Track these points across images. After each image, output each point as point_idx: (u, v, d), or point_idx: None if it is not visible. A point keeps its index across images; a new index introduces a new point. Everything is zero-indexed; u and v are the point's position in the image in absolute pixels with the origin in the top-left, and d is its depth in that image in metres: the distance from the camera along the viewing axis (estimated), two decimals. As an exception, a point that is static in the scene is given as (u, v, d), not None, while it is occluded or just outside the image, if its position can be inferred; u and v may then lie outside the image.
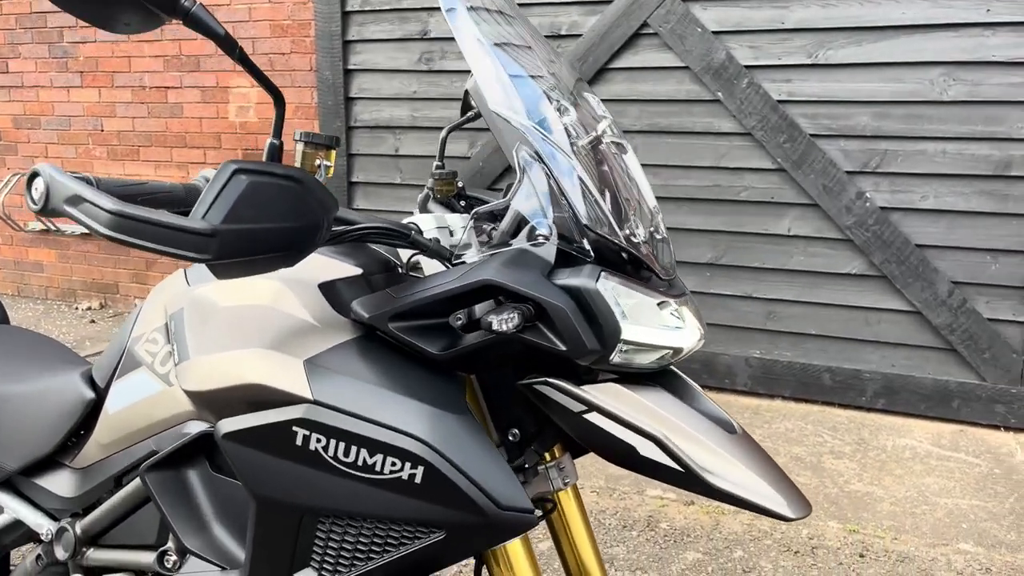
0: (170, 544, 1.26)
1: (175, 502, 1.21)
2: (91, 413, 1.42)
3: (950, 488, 3.27)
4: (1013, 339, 3.66)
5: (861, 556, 2.83)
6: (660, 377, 1.14)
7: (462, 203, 1.54)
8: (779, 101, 3.86)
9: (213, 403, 1.14)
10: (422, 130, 4.63)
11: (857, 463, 3.48)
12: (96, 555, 1.39)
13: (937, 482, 3.32)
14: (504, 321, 0.99)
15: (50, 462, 1.48)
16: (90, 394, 1.43)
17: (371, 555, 1.06)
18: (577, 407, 1.07)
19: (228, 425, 1.08)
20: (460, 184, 1.54)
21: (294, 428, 1.03)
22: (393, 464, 1.01)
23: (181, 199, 1.14)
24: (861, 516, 3.07)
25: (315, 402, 1.03)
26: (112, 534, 1.37)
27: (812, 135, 3.83)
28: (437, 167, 1.52)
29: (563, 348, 1.02)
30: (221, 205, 0.89)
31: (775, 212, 3.96)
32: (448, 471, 1.00)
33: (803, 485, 3.30)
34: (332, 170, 1.19)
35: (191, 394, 1.17)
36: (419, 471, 1.00)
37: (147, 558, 1.29)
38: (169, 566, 1.26)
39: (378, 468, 1.01)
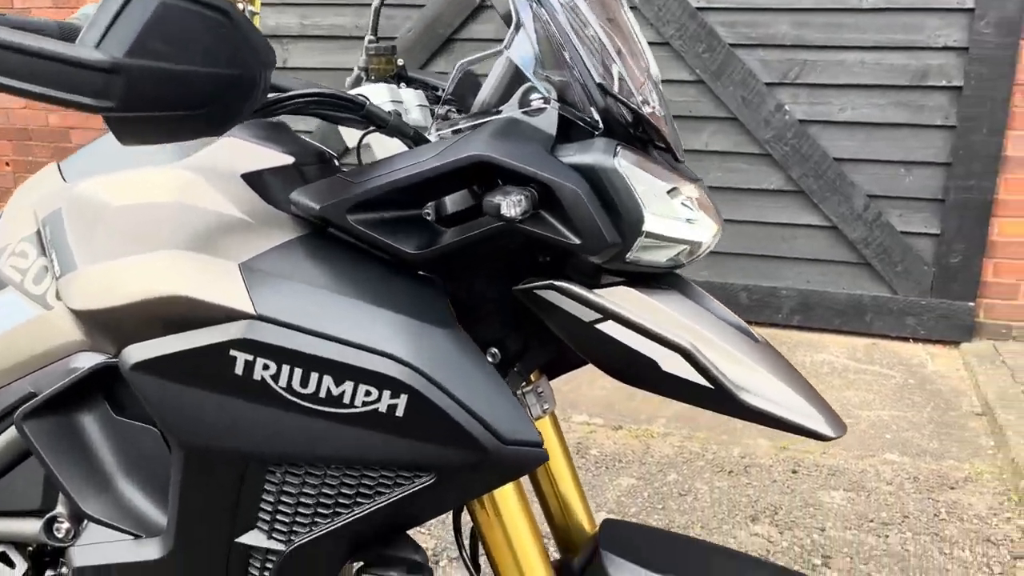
0: (60, 509, 0.99)
1: (64, 456, 0.93)
2: None
3: (870, 401, 3.28)
4: (924, 251, 3.68)
5: (794, 472, 2.80)
6: (665, 281, 0.94)
7: (403, 86, 1.27)
8: (698, 9, 3.68)
9: (113, 326, 0.86)
10: (313, 39, 4.22)
11: (779, 380, 3.44)
12: None
13: (857, 395, 3.33)
14: (513, 204, 0.76)
15: None
16: None
17: (338, 510, 0.83)
18: (588, 316, 0.85)
19: (138, 353, 0.81)
20: (400, 62, 1.27)
21: (232, 352, 0.77)
22: (367, 394, 0.77)
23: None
24: (789, 433, 3.03)
25: (259, 317, 0.78)
26: None
27: (731, 44, 3.68)
28: (371, 41, 1.24)
29: (576, 241, 0.80)
30: (121, 31, 0.61)
31: (693, 126, 3.82)
32: (439, 399, 0.77)
33: (729, 404, 3.24)
34: (258, 19, 0.90)
35: (81, 315, 0.88)
36: (401, 401, 0.77)
37: (30, 527, 1.01)
38: (61, 535, 0.99)
39: (347, 400, 0.77)
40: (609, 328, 0.86)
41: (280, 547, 0.85)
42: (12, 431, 1.00)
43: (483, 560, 1.04)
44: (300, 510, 0.84)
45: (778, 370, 0.97)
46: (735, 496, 2.66)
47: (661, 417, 3.16)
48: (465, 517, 1.04)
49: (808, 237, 3.82)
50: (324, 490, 0.82)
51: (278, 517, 0.84)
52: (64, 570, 1.04)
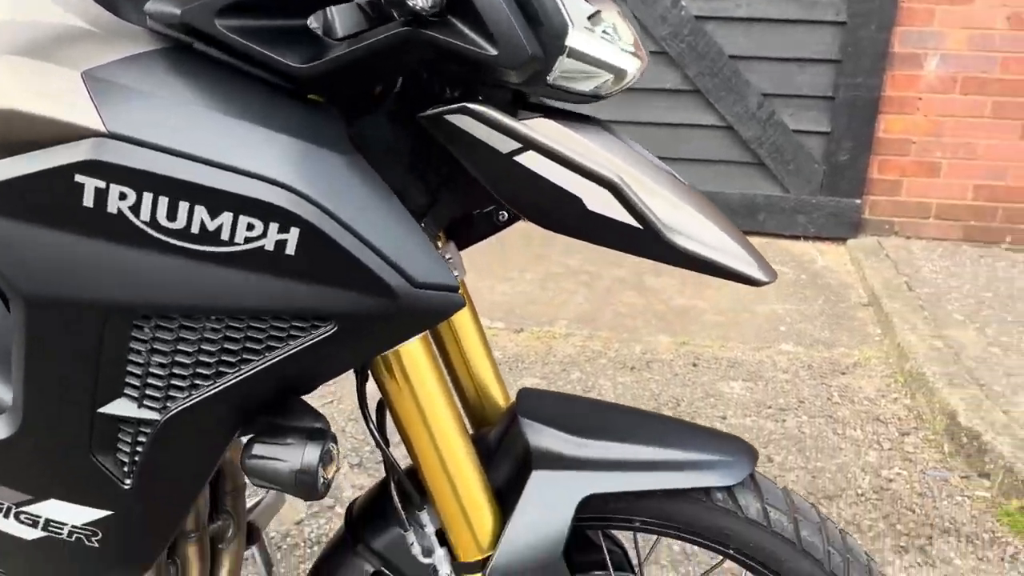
0: None
1: None
2: None
3: (765, 296, 3.34)
4: (815, 150, 3.74)
5: (694, 365, 2.83)
6: (585, 119, 0.85)
7: None
8: (593, -103, 3.53)
9: None
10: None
11: (677, 280, 3.47)
12: None
13: (752, 291, 3.38)
14: None
15: None
16: None
17: (221, 369, 0.71)
18: (506, 146, 0.75)
19: None
20: None
21: (78, 178, 0.63)
22: (250, 228, 0.64)
23: None
24: (688, 328, 3.06)
25: (110, 134, 0.63)
26: None
27: (627, -63, 3.57)
28: None
29: (492, 52, 0.69)
30: None
31: (589, 24, 3.71)
32: (336, 234, 0.65)
33: (630, 304, 3.24)
34: None
35: None
36: (291, 236, 0.65)
37: None
38: None
39: (226, 235, 0.64)
40: (528, 160, 0.76)
41: (154, 416, 0.73)
42: None
43: (394, 436, 0.95)
44: (176, 371, 0.71)
45: (708, 212, 0.90)
46: (638, 391, 2.66)
47: (562, 319, 3.13)
48: (373, 389, 0.94)
49: (704, 138, 3.81)
50: (204, 346, 0.70)
51: (150, 381, 0.72)
52: None
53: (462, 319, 1.08)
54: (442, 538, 0.93)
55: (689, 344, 2.96)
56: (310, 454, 0.74)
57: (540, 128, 0.77)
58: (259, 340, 0.70)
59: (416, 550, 0.91)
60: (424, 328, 0.74)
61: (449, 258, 1.03)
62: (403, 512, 0.92)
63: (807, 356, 2.90)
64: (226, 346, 0.70)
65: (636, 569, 1.08)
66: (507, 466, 0.95)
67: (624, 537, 1.15)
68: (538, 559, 0.88)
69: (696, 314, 3.17)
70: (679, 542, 1.23)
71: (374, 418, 0.92)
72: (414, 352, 0.86)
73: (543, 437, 0.93)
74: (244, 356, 0.71)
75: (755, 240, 3.85)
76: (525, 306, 3.23)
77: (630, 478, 0.92)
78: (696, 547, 1.02)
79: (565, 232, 0.81)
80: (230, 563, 1.14)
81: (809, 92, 3.66)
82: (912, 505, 2.16)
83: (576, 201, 0.77)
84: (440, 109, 0.74)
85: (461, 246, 1.09)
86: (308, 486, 0.74)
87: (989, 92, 3.52)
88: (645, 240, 0.81)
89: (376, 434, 0.91)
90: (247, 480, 0.76)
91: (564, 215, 0.78)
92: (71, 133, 0.63)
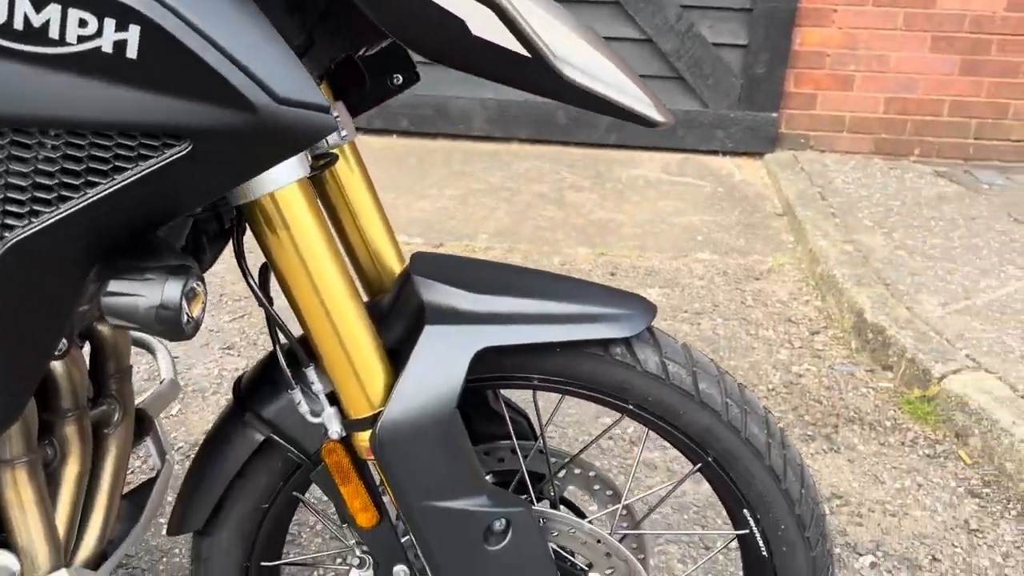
0: None
1: None
2: None
3: (683, 209, 3.36)
4: (733, 63, 3.73)
5: (612, 274, 2.83)
6: None
7: None
8: None
9: None
10: None
11: (597, 194, 3.46)
12: None
13: (671, 204, 3.39)
14: None
15: None
16: None
17: (64, 193, 0.64)
18: (384, -38, 0.70)
19: None
20: None
21: None
22: (82, 24, 0.57)
23: None
24: (607, 240, 3.06)
25: None
26: None
27: None
28: None
29: None
30: None
31: (505, -68, 3.59)
32: (183, 35, 0.59)
33: (550, 218, 3.22)
34: None
35: None
36: (131, 35, 0.58)
37: None
38: None
39: (55, 32, 0.58)
40: None
41: None
42: None
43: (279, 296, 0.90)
44: (11, 195, 0.64)
45: (605, 52, 0.87)
46: (557, 299, 2.65)
47: (483, 233, 3.09)
48: (257, 252, 0.89)
49: (623, 51, 3.76)
50: (41, 166, 0.64)
51: None
52: None
53: (354, 186, 1.03)
54: (333, 400, 0.89)
55: (607, 255, 2.96)
56: (171, 289, 0.69)
57: None
58: (105, 160, 0.64)
59: (304, 409, 0.88)
60: (291, 152, 0.69)
61: (337, 116, 0.97)
62: (288, 371, 0.88)
63: (723, 263, 2.93)
64: (67, 166, 0.64)
65: (539, 434, 1.07)
66: (400, 325, 0.92)
67: (526, 405, 1.13)
68: (431, 413, 0.85)
69: (615, 227, 3.17)
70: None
71: (256, 279, 0.87)
72: (293, 200, 0.81)
73: (437, 293, 0.90)
74: (89, 178, 0.64)
75: (675, 157, 3.86)
76: (445, 222, 3.18)
77: (525, 331, 0.89)
78: (597, 405, 1.00)
79: (452, 62, 0.77)
80: (117, 449, 1.09)
81: (727, 4, 3.64)
82: (820, 397, 2.22)
83: (459, 24, 0.72)
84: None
85: (355, 112, 1.03)
86: (171, 322, 0.69)
87: (900, 3, 3.56)
88: (533, 70, 0.77)
89: (256, 289, 0.86)
90: (109, 319, 0.70)
91: (447, 41, 0.73)
92: None
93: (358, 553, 0.96)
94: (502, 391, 1.07)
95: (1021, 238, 3.01)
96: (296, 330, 0.90)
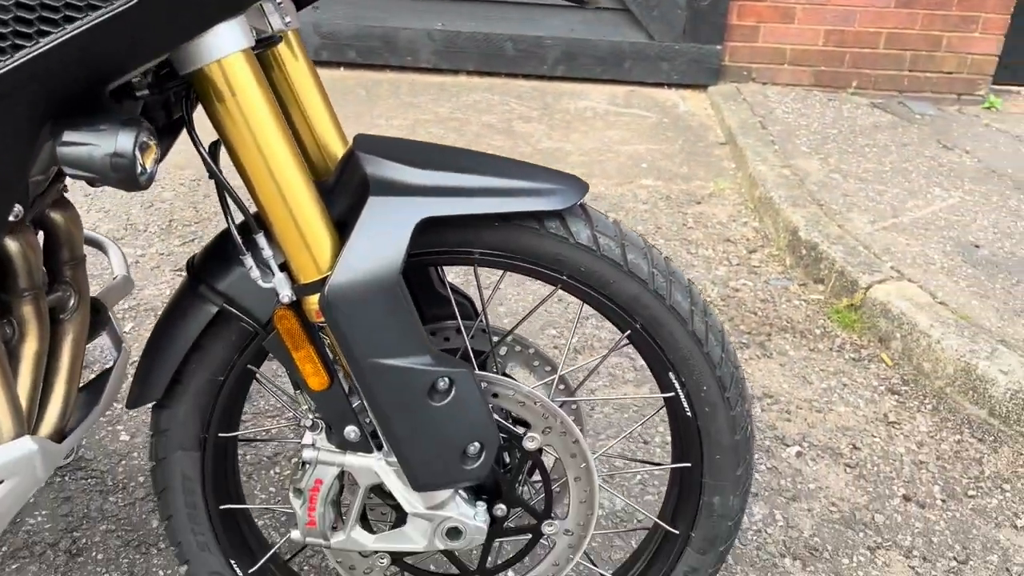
0: None
1: None
2: None
3: (628, 138, 3.43)
4: (678, -5, 3.78)
5: (559, 200, 2.89)
6: None
7: None
8: None
9: None
10: None
11: (545, 125, 3.50)
12: None
13: (617, 134, 3.46)
14: None
15: None
16: None
17: (17, 41, 0.67)
18: None
19: None
20: None
21: None
22: None
23: None
24: (555, 168, 3.11)
25: None
26: None
27: None
28: None
29: None
30: None
31: None
32: None
33: (498, 148, 3.26)
34: None
35: None
36: None
37: None
38: None
39: None
40: None
41: None
42: None
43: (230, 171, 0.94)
44: None
45: None
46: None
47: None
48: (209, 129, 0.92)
49: (570, -17, 3.78)
50: None
51: None
52: None
53: (298, 73, 1.06)
54: (283, 269, 0.94)
55: (555, 181, 3.01)
56: (124, 138, 0.73)
57: None
58: (55, 8, 0.67)
59: (255, 274, 0.93)
60: (236, 6, 0.72)
61: (280, 2, 1.00)
62: (239, 237, 0.92)
63: (666, 189, 3.02)
64: (20, 14, 0.67)
65: (481, 312, 1.14)
66: (345, 198, 0.96)
67: (470, 288, 1.20)
68: (376, 279, 0.91)
69: (562, 155, 3.22)
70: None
71: (207, 149, 0.91)
72: (239, 69, 0.84)
73: (380, 167, 0.95)
74: (41, 27, 0.68)
75: (622, 89, 3.92)
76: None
77: (465, 203, 0.95)
78: (533, 278, 1.07)
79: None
80: (73, 334, 1.13)
81: (672, -65, 3.67)
82: (755, 309, 2.33)
83: None
84: None
85: (300, 5, 1.07)
86: (126, 171, 0.73)
87: (841, -65, 3.62)
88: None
89: (207, 157, 0.90)
90: (66, 169, 0.74)
91: None
92: None
93: (311, 417, 1.02)
94: (446, 271, 1.13)
95: (948, 163, 3.15)
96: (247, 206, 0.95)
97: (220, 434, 1.10)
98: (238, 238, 0.92)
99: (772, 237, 2.69)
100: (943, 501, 1.72)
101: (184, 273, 1.05)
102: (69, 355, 1.11)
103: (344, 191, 0.97)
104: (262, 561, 1.18)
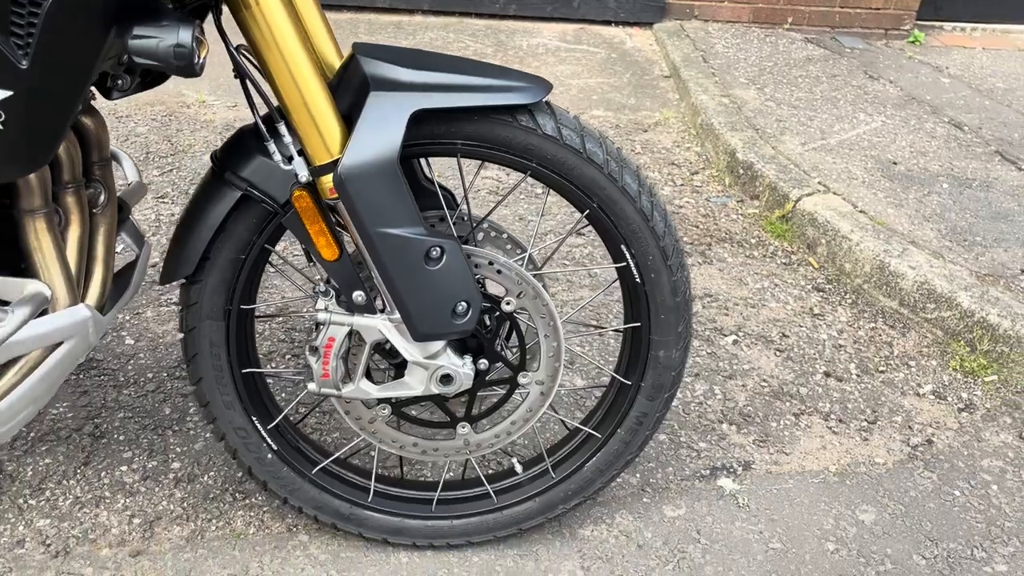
0: None
1: None
2: None
3: (579, 72, 3.60)
4: (623, -65, 3.93)
5: (516, 130, 3.07)
6: None
7: None
8: None
9: None
10: None
11: (499, 60, 3.66)
12: None
13: (568, 68, 3.63)
14: None
15: None
16: None
17: None
18: None
19: None
20: None
21: None
22: None
23: None
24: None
25: None
26: None
27: None
28: None
29: None
30: None
31: None
32: None
33: (455, 82, 3.41)
34: None
35: None
36: None
37: None
38: None
39: None
40: None
41: None
42: None
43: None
44: None
45: None
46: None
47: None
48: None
49: (520, -78, 3.90)
50: None
51: None
52: None
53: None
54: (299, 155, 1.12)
55: (511, 113, 3.19)
56: (184, 32, 0.90)
57: None
58: None
59: (278, 158, 1.10)
60: None
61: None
62: (263, 125, 1.10)
63: (615, 119, 3.21)
64: None
65: (463, 200, 1.33)
66: (348, 95, 1.14)
67: (452, 185, 1.38)
68: (379, 161, 1.09)
69: (517, 89, 3.38)
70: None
71: (235, 52, 1.08)
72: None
73: (378, 67, 1.12)
74: None
75: (572, 27, 4.08)
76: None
77: (452, 97, 1.14)
78: (505, 168, 1.26)
79: None
80: (105, 225, 1.29)
81: None
82: (697, 224, 2.56)
83: None
84: None
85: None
86: (186, 59, 0.91)
87: None
88: None
89: (235, 55, 1.07)
90: (136, 57, 0.91)
91: None
92: None
93: (322, 286, 1.21)
94: (431, 162, 1.31)
95: (873, 92, 3.40)
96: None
97: (242, 306, 1.28)
98: (263, 128, 1.10)
99: (712, 160, 2.91)
100: (858, 376, 1.98)
101: (209, 164, 1.22)
102: (104, 243, 1.28)
103: (346, 89, 1.15)
104: (279, 417, 1.37)
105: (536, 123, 1.20)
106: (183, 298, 1.27)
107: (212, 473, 1.59)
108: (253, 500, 1.54)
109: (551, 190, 1.29)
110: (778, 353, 2.03)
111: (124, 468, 1.59)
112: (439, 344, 1.23)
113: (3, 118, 0.92)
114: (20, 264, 1.19)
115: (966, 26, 4.39)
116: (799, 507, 1.62)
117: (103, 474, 1.57)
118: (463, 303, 1.19)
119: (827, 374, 1.98)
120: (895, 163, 2.75)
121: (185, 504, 1.53)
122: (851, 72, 3.60)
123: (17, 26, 0.88)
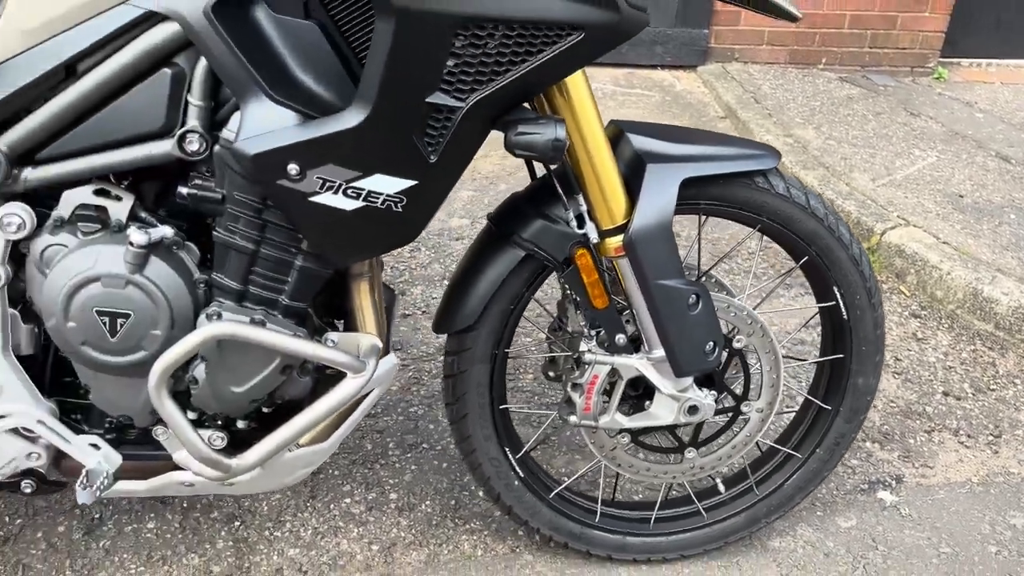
0: (192, 123, 1.06)
1: (249, 45, 0.99)
2: None
3: (642, 115, 3.81)
4: (670, -16, 4.17)
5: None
6: None
7: None
8: None
9: None
10: None
11: (562, 105, 3.85)
12: (42, 172, 1.11)
13: (630, 111, 3.84)
14: None
15: None
16: None
17: (509, 65, 1.02)
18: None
19: None
20: None
21: None
22: None
23: None
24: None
25: None
26: (64, 141, 1.09)
27: None
28: None
29: None
30: None
31: None
32: None
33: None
34: None
35: None
36: None
37: (161, 147, 1.07)
38: (194, 148, 1.07)
39: None
40: None
41: (460, 104, 1.03)
42: (141, 50, 1.03)
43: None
44: (481, 68, 1.01)
45: None
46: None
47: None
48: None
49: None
50: (503, 47, 1.00)
51: (462, 76, 1.02)
52: (184, 189, 1.12)
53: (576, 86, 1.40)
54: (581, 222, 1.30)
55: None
56: (560, 128, 1.08)
57: None
58: (535, 43, 1.02)
59: (573, 223, 1.28)
60: (628, 37, 1.07)
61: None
62: (564, 194, 1.28)
63: (686, 159, 3.41)
64: (514, 47, 1.01)
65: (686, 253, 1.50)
66: (623, 167, 1.32)
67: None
68: (660, 223, 1.27)
69: (587, 132, 3.58)
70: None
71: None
72: (578, 79, 1.20)
73: (647, 143, 1.31)
74: (525, 55, 1.02)
75: (621, 71, 4.30)
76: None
77: (710, 166, 1.32)
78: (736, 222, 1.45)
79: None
80: (379, 278, 1.45)
81: (664, -70, 4.05)
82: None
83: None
84: None
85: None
86: (560, 151, 1.09)
87: (812, -71, 4.07)
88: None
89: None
90: (517, 151, 1.09)
91: None
92: None
93: (589, 331, 1.38)
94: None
95: (918, 128, 3.65)
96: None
97: (506, 350, 1.45)
98: (564, 197, 1.27)
99: (789, 197, 3.12)
100: (972, 394, 2.18)
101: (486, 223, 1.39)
102: (380, 294, 1.44)
103: (619, 161, 1.33)
104: (526, 447, 1.53)
105: (770, 184, 1.39)
106: (454, 345, 1.43)
107: (428, 502, 1.74)
108: (472, 525, 1.70)
109: (771, 240, 1.47)
110: (896, 375, 2.23)
111: (348, 500, 1.74)
112: (689, 379, 1.40)
113: (405, 202, 1.09)
114: (330, 318, 1.35)
115: (981, 61, 4.68)
116: (955, 515, 1.80)
117: (331, 506, 1.72)
118: (711, 343, 1.37)
119: (945, 393, 2.17)
120: (961, 196, 2.98)
121: (413, 531, 1.68)
122: (893, 110, 3.85)
123: (432, 128, 1.05)
